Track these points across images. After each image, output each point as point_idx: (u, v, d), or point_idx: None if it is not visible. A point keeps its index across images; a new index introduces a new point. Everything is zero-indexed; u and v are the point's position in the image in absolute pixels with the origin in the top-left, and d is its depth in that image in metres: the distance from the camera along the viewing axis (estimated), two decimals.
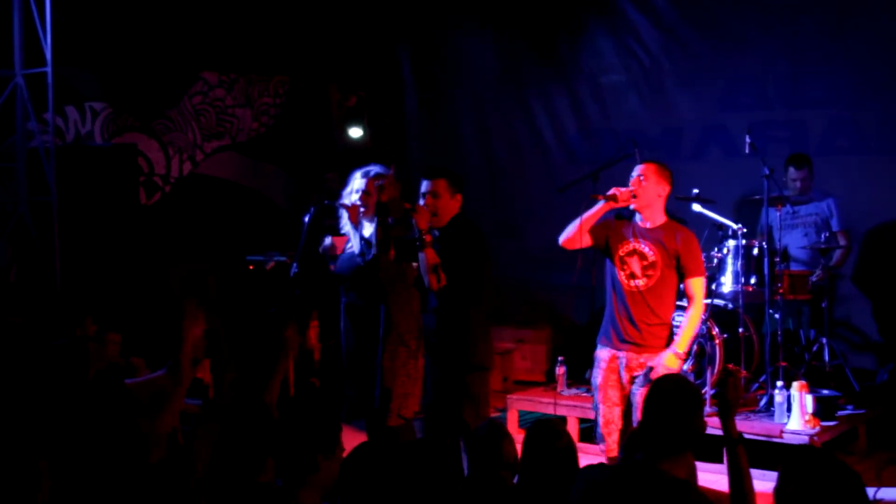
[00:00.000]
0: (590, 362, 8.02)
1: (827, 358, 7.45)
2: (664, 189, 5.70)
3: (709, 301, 7.23)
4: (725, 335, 7.13)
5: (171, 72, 9.10)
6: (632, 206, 5.73)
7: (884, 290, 8.34)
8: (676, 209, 7.88)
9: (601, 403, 5.68)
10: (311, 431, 3.67)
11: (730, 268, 7.32)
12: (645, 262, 5.62)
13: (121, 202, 8.32)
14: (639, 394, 5.48)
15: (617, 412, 5.63)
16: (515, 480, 4.16)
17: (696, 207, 7.50)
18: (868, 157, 8.41)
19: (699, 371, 7.10)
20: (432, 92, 10.61)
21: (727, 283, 7.31)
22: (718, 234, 7.49)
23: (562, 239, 5.83)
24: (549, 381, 8.26)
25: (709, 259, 7.40)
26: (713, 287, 7.35)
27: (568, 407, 7.47)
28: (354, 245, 6.13)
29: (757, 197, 7.40)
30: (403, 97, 10.70)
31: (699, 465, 4.03)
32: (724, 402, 3.74)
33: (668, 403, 3.66)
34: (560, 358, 7.94)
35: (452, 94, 10.46)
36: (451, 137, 10.43)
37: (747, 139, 7.25)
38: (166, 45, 8.92)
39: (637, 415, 5.39)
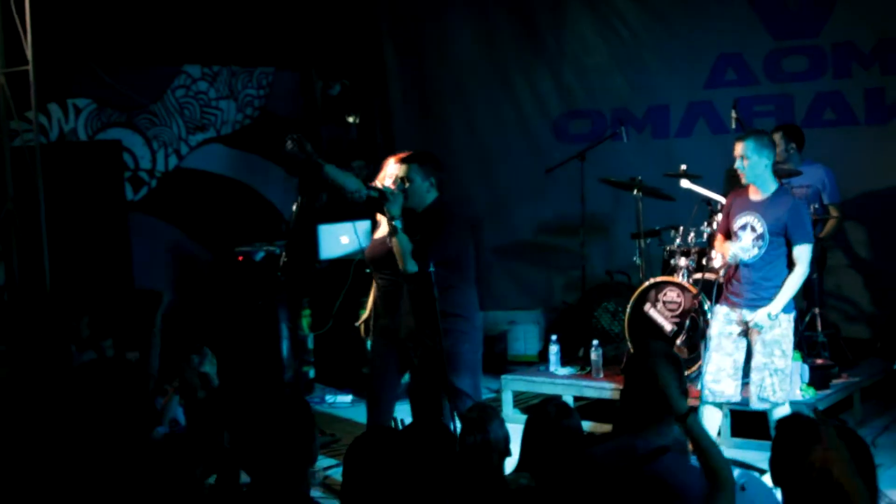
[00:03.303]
0: (582, 341, 8.10)
1: (820, 328, 7.45)
2: (768, 158, 5.97)
3: (700, 276, 7.23)
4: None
5: (153, 66, 9.06)
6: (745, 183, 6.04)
7: (872, 261, 8.35)
8: (664, 185, 7.92)
9: (713, 352, 6.08)
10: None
11: (719, 241, 7.29)
12: (755, 234, 5.96)
13: (107, 198, 8.30)
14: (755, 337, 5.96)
15: (727, 361, 6.02)
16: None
17: (685, 183, 7.49)
18: (855, 129, 8.43)
19: (692, 346, 7.08)
20: (417, 77, 10.57)
21: (717, 258, 7.28)
22: (707, 209, 7.48)
23: None
24: (543, 361, 8.25)
25: (698, 234, 7.41)
26: (703, 262, 7.34)
27: (563, 386, 7.47)
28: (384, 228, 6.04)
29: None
30: (387, 84, 10.67)
31: None
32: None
33: (646, 373, 3.71)
34: (553, 337, 7.94)
35: (437, 79, 10.43)
36: (437, 122, 10.40)
37: (733, 114, 7.24)
38: (148, 39, 8.88)
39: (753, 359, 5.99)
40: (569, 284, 9.49)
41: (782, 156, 7.83)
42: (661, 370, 3.71)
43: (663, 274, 7.60)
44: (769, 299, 5.90)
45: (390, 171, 5.92)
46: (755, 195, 6.00)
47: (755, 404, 5.96)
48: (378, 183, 5.79)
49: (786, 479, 3.42)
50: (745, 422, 6.61)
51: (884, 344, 7.92)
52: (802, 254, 5.90)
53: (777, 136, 7.85)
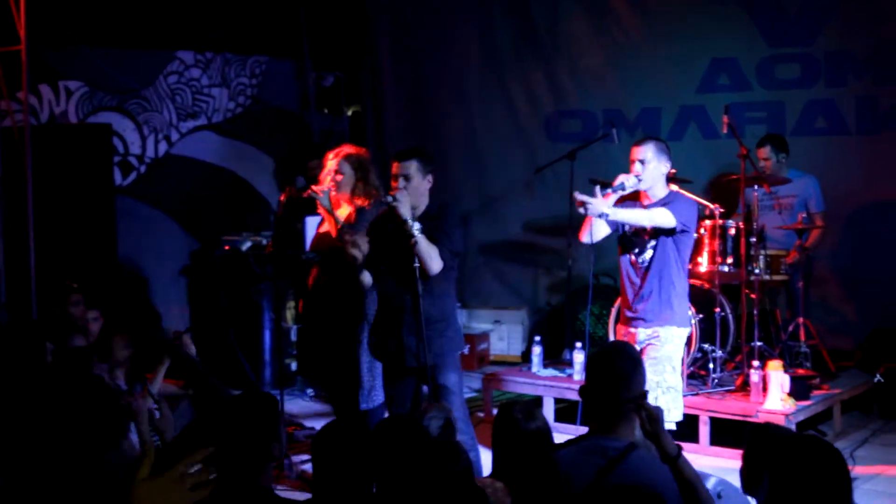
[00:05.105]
0: (565, 343, 8.10)
1: (803, 338, 7.45)
2: (665, 165, 5.87)
3: None
4: (701, 315, 7.12)
5: (146, 51, 9.03)
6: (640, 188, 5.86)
7: (858, 272, 8.35)
8: None
9: None
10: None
11: (706, 248, 7.30)
12: (646, 237, 5.80)
13: (95, 182, 8.27)
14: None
15: None
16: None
17: (673, 187, 7.46)
18: (846, 137, 8.42)
19: None
20: (410, 71, 10.54)
21: (703, 263, 7.30)
22: None
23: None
24: (526, 362, 8.24)
25: None
26: (690, 267, 7.32)
27: (545, 387, 7.47)
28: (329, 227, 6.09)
29: (734, 177, 7.39)
30: (380, 77, 10.63)
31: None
32: (649, 421, 3.54)
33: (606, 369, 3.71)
34: (537, 338, 7.93)
35: (430, 74, 10.40)
36: (429, 116, 10.37)
37: (724, 119, 7.23)
38: (141, 23, 8.84)
39: None
40: (554, 285, 9.49)
41: (774, 167, 7.85)
42: (622, 367, 3.70)
43: None
44: (659, 315, 5.72)
45: (330, 167, 5.95)
46: (647, 201, 5.89)
47: None
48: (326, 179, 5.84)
49: (756, 488, 3.42)
50: (724, 429, 6.63)
51: (866, 356, 7.92)
52: (659, 212, 5.73)
53: (767, 149, 7.87)
